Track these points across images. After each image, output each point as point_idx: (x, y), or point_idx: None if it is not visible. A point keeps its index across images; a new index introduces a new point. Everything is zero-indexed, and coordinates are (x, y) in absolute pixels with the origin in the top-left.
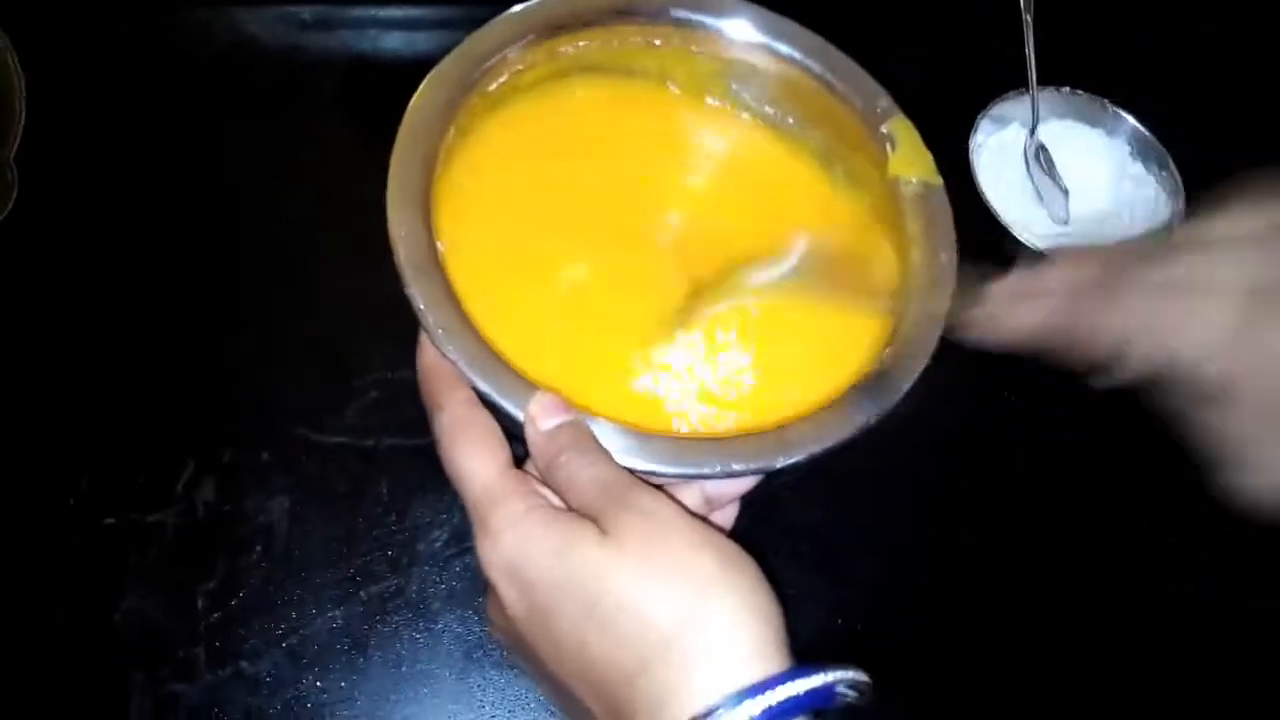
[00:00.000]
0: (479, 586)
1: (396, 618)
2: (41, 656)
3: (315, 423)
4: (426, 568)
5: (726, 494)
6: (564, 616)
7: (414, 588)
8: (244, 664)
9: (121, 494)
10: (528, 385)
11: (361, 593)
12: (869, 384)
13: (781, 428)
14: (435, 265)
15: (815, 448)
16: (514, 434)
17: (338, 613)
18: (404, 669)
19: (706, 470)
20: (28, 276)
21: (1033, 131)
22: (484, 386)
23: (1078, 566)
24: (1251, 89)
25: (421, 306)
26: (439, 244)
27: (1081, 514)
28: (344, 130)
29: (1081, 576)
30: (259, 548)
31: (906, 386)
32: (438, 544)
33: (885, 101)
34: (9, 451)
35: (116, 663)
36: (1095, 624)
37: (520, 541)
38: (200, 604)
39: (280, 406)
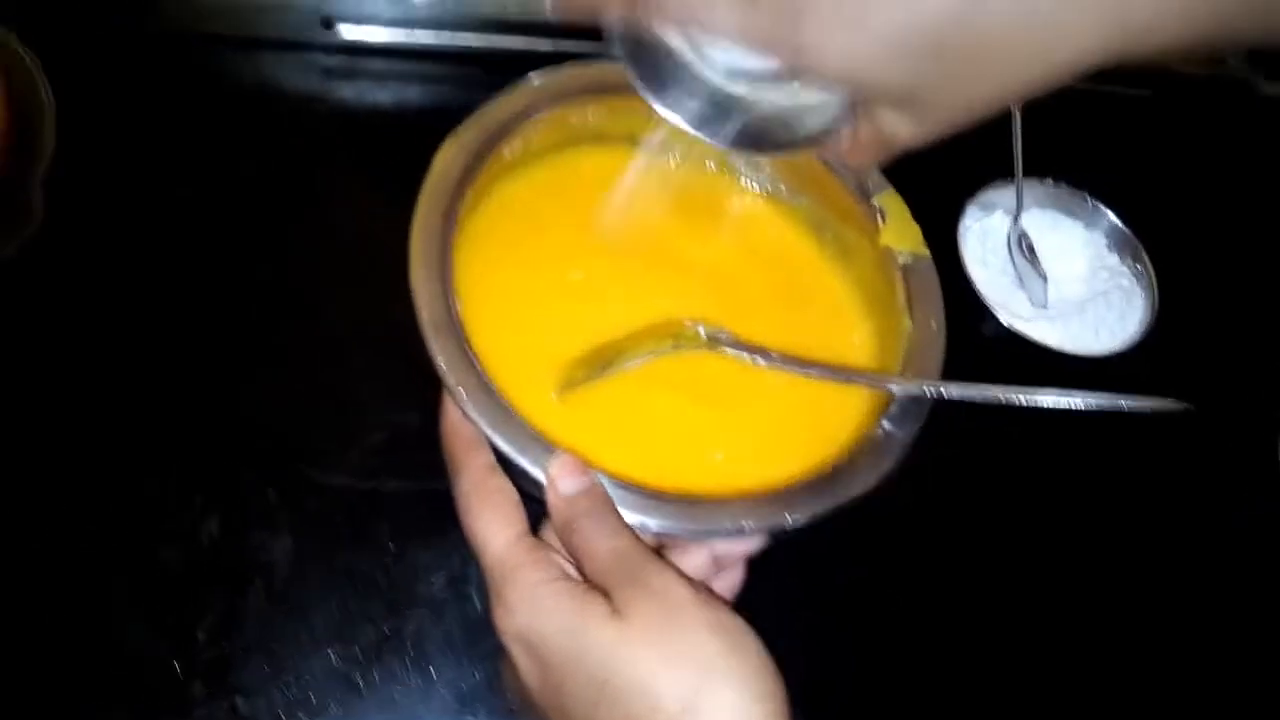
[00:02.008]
0: (475, 633)
1: (393, 660)
2: (42, 685)
3: (320, 463)
4: (423, 611)
5: (734, 554)
6: (576, 690)
7: (410, 630)
8: (239, 700)
9: (129, 527)
10: (548, 446)
11: (358, 634)
12: (868, 447)
13: (790, 488)
14: (456, 326)
15: (822, 508)
16: (534, 495)
17: (334, 653)
18: (399, 711)
19: (717, 528)
20: (48, 302)
21: (1016, 219)
22: (505, 447)
23: (1085, 631)
24: (1221, 192)
25: (443, 367)
26: (458, 304)
27: (1090, 582)
28: (361, 176)
29: (1087, 641)
30: (260, 585)
31: (905, 449)
32: (435, 587)
33: (876, 177)
34: (18, 480)
35: (114, 694)
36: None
37: (534, 616)
38: (200, 638)
39: (288, 446)
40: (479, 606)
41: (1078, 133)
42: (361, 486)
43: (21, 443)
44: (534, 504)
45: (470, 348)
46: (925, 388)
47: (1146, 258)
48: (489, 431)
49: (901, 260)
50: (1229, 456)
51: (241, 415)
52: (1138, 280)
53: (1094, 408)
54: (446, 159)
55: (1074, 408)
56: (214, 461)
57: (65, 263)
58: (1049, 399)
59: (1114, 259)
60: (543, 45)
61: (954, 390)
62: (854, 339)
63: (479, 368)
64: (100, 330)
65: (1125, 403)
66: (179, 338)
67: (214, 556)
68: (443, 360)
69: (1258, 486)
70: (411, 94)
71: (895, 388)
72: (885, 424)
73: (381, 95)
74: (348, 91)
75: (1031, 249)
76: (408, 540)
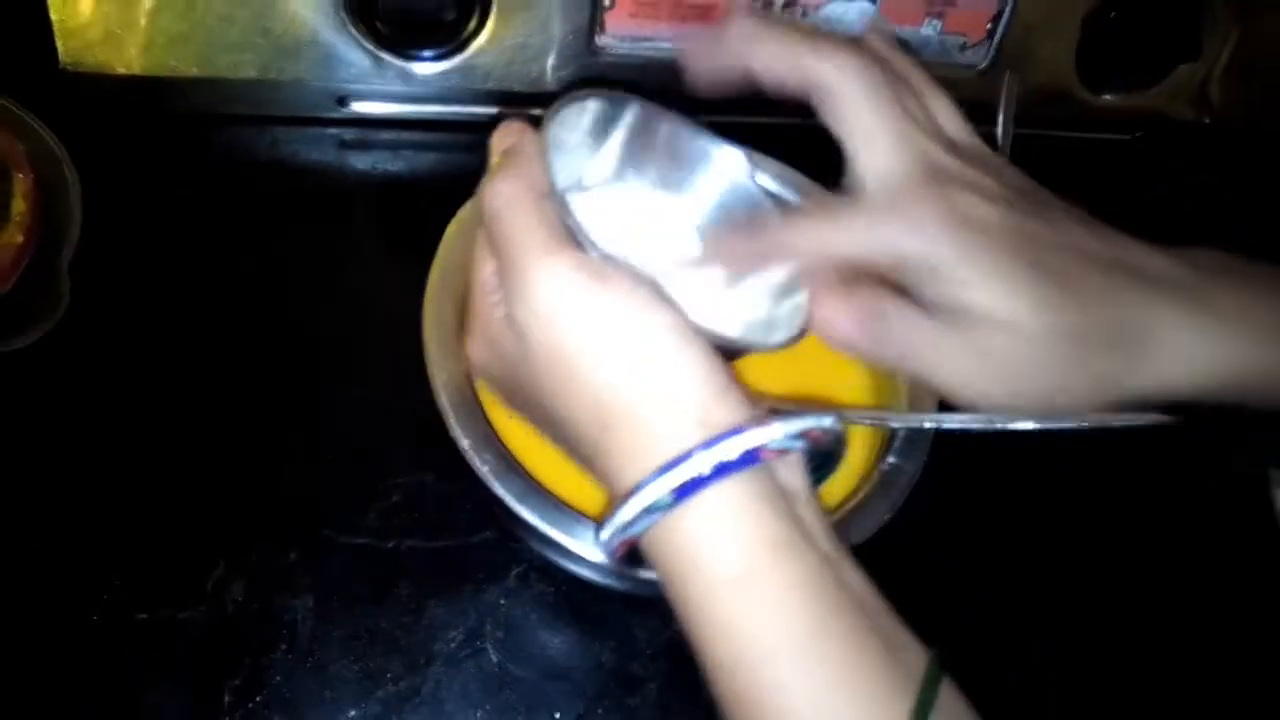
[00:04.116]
0: (491, 687)
1: (413, 716)
2: None
3: (340, 524)
4: (442, 667)
5: None
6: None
7: (429, 687)
8: None
9: (154, 591)
10: (576, 516)
11: (379, 691)
12: (877, 482)
13: None
14: (476, 404)
15: (854, 538)
16: (560, 565)
17: (356, 712)
18: None
19: None
20: (74, 382)
21: None
22: (533, 519)
23: (1094, 655)
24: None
25: (466, 446)
26: (475, 382)
27: (1101, 605)
28: (378, 244)
29: (1098, 666)
30: (283, 646)
31: (913, 481)
32: (453, 644)
33: None
34: (45, 546)
35: None
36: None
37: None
38: (226, 700)
39: (308, 508)
40: (494, 660)
41: (1066, 177)
42: (381, 546)
43: (48, 512)
44: (564, 577)
45: (489, 422)
46: (925, 421)
47: None
48: (516, 506)
49: None
50: (1221, 468)
51: (262, 480)
52: None
53: (1087, 426)
54: (451, 241)
55: (1070, 428)
56: (236, 525)
57: (92, 341)
58: (1046, 423)
59: None
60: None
61: (953, 422)
62: (850, 380)
63: (499, 443)
64: (124, 402)
65: (1117, 421)
66: (201, 407)
67: (238, 618)
68: (466, 442)
69: (1251, 496)
70: (424, 162)
71: (895, 423)
72: (891, 459)
73: (396, 165)
74: (363, 163)
75: None
76: (426, 598)
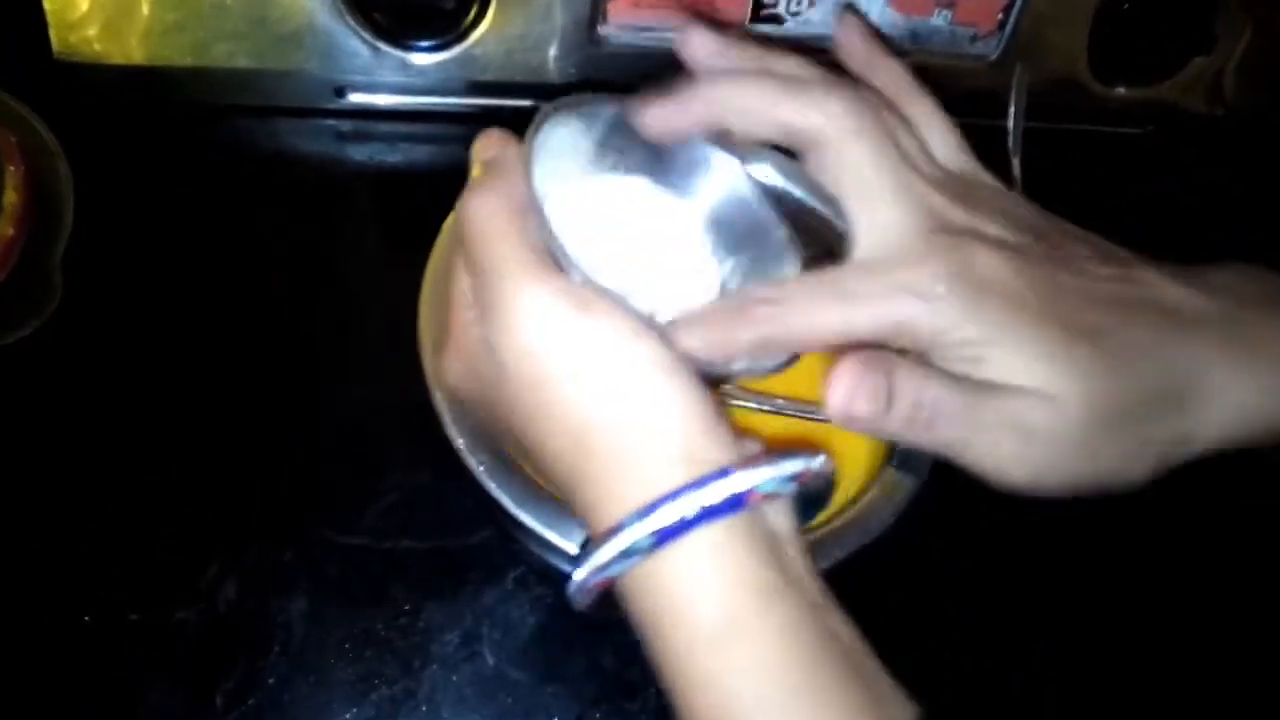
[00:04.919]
0: (487, 691)
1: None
2: None
3: (336, 524)
4: (438, 670)
5: None
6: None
7: (425, 690)
8: None
9: (148, 591)
10: (573, 518)
11: (374, 694)
12: (879, 490)
13: (805, 534)
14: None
15: (842, 552)
16: (559, 567)
17: (350, 715)
18: None
19: None
20: (67, 377)
21: None
22: (529, 520)
23: (1101, 671)
24: (1222, 229)
25: (462, 445)
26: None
27: (1110, 619)
28: (376, 237)
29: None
30: (277, 648)
31: (915, 489)
32: (449, 647)
33: None
34: (37, 545)
35: None
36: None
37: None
38: (219, 702)
39: (304, 507)
40: (491, 664)
41: (1077, 171)
42: (378, 547)
43: (39, 511)
44: (562, 579)
45: (485, 421)
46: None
47: None
48: (511, 506)
49: None
50: (1234, 482)
51: (257, 479)
52: None
53: None
54: (447, 237)
55: None
56: (230, 525)
57: (84, 336)
58: None
59: None
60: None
61: None
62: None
63: (496, 444)
64: (117, 399)
65: None
66: (195, 405)
67: (232, 619)
68: (462, 442)
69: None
70: (423, 154)
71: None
72: (893, 467)
73: (393, 157)
74: (360, 154)
75: None
76: (422, 600)
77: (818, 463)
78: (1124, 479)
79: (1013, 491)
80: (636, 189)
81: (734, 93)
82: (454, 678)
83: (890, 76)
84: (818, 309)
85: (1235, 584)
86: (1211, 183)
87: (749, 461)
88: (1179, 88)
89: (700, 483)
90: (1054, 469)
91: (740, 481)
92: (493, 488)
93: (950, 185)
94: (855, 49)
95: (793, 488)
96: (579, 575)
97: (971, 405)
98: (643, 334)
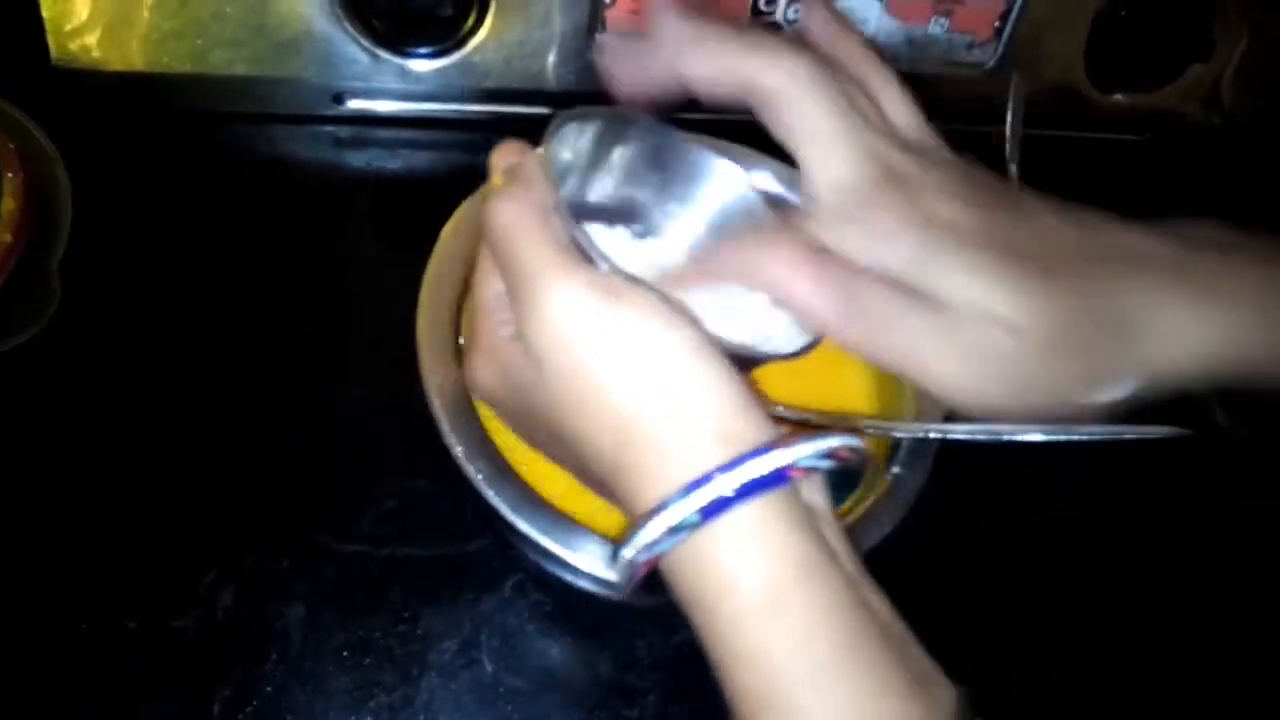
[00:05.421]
0: (486, 698)
1: None
2: None
3: (334, 531)
4: (436, 678)
5: None
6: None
7: (423, 698)
8: None
9: (145, 598)
10: (572, 525)
11: (372, 702)
12: (881, 492)
13: None
14: (470, 410)
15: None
16: (556, 575)
17: None
18: None
19: None
20: (65, 384)
21: None
22: (526, 528)
23: (1105, 671)
24: None
25: (460, 453)
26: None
27: (1110, 618)
28: (375, 244)
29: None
30: (275, 655)
31: (917, 491)
32: (448, 655)
33: None
34: (34, 552)
35: None
36: None
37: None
38: (217, 710)
39: (301, 514)
40: (489, 671)
41: (1074, 178)
42: (376, 553)
43: (37, 518)
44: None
45: (483, 428)
46: (930, 430)
47: None
48: (510, 514)
49: None
50: (1235, 483)
51: (255, 484)
52: None
53: (1098, 438)
54: (446, 245)
55: (1078, 440)
56: (227, 531)
57: (82, 343)
58: (1054, 435)
59: None
60: (545, 113)
61: (959, 431)
62: (852, 386)
63: (495, 451)
64: (115, 405)
65: (1128, 433)
66: (192, 411)
67: (229, 626)
68: (460, 449)
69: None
70: (420, 161)
71: (900, 433)
72: (895, 469)
73: (392, 163)
74: (359, 161)
75: None
76: (420, 607)
77: (856, 440)
78: (1081, 405)
79: (964, 410)
80: (644, 196)
81: (698, 49)
82: (452, 685)
83: (852, 50)
84: (782, 251)
85: (1235, 584)
86: (1209, 189)
87: (785, 440)
88: (1177, 95)
89: (740, 460)
90: (1006, 391)
91: (779, 458)
92: (491, 495)
93: (906, 146)
94: (817, 25)
95: (830, 464)
96: (628, 553)
97: (931, 324)
98: (675, 321)
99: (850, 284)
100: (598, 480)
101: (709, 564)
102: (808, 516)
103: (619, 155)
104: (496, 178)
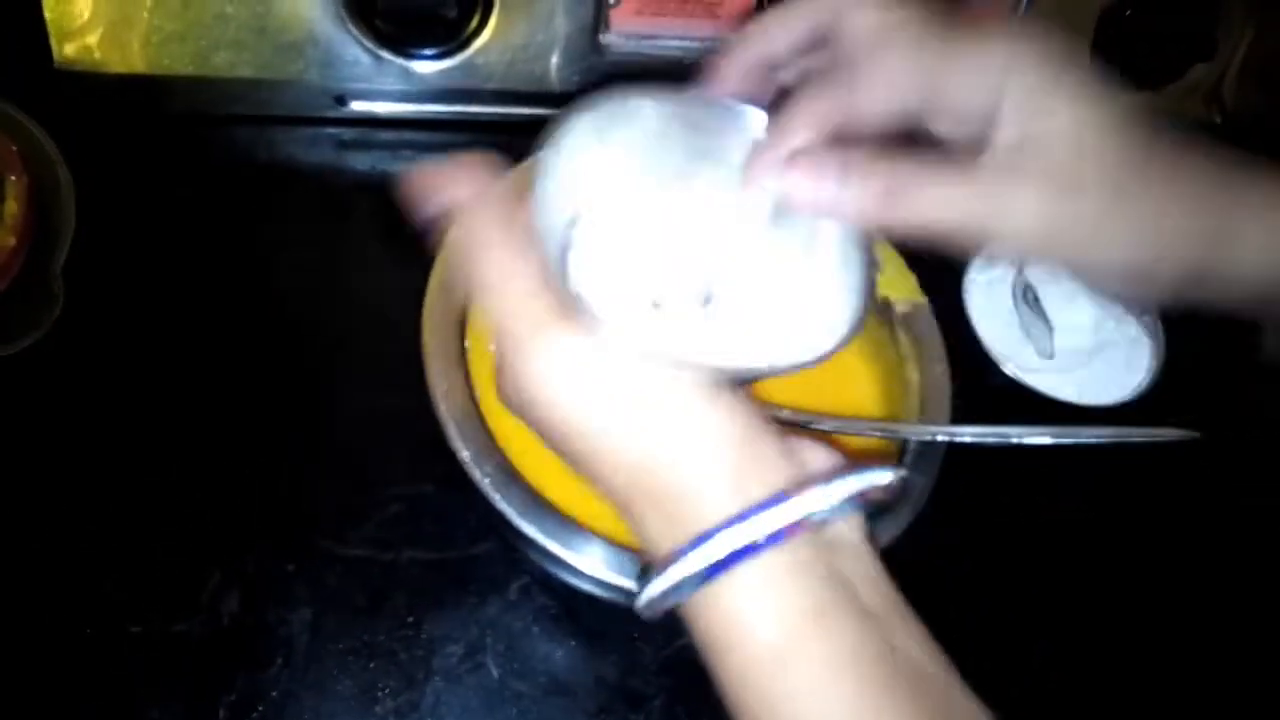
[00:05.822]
0: (491, 703)
1: None
2: None
3: (338, 535)
4: (441, 682)
5: None
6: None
7: (429, 702)
8: None
9: (148, 603)
10: (578, 529)
11: (377, 706)
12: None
13: None
14: (477, 414)
15: None
16: (563, 579)
17: None
18: None
19: None
20: (68, 387)
21: (1021, 271)
22: (533, 532)
23: (1108, 672)
24: None
25: (466, 458)
26: (476, 392)
27: (1114, 621)
28: (378, 246)
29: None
30: (280, 660)
31: (925, 493)
32: (453, 659)
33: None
34: (38, 555)
35: None
36: None
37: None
38: (221, 715)
39: (305, 518)
40: (495, 675)
41: None
42: (380, 558)
43: (41, 522)
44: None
45: (490, 433)
46: (938, 433)
47: (1153, 307)
48: (515, 517)
49: (900, 309)
50: (1239, 485)
51: (259, 489)
52: (1144, 330)
53: (1105, 441)
54: (450, 249)
55: (1086, 443)
56: (232, 535)
57: (86, 346)
58: (1062, 438)
59: (1120, 309)
60: (549, 114)
61: (966, 434)
62: (860, 390)
63: (501, 455)
64: (120, 410)
65: (1135, 436)
66: (196, 415)
67: (234, 631)
68: (467, 453)
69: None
70: (425, 163)
71: (908, 435)
72: (902, 471)
73: (395, 165)
74: (362, 163)
75: (1037, 300)
76: (425, 611)
77: (887, 476)
78: (1140, 274)
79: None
80: (669, 168)
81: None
82: (458, 689)
83: None
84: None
85: (1236, 584)
86: None
87: (804, 484)
88: (1180, 94)
89: (749, 513)
90: (1070, 236)
91: (792, 510)
92: (497, 499)
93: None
94: None
95: (849, 510)
96: (640, 605)
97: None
98: (670, 370)
99: (872, 162)
100: (615, 509)
101: (720, 614)
102: (827, 555)
103: (639, 134)
104: (461, 209)
